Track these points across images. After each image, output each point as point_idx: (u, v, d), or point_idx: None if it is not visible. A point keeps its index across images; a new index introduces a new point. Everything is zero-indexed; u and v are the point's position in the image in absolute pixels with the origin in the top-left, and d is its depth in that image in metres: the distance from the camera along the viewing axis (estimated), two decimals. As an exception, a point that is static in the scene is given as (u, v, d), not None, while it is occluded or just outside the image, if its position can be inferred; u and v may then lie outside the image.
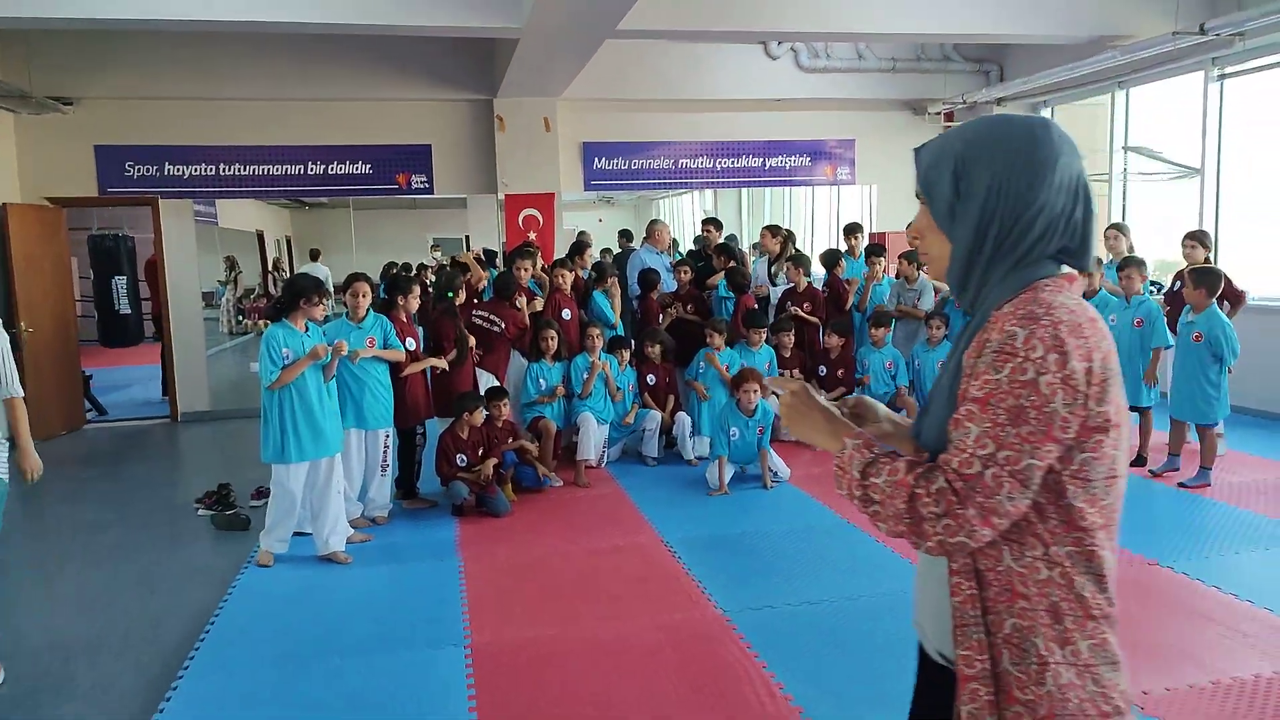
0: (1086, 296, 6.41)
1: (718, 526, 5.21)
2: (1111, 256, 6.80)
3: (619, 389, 6.57)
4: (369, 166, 9.43)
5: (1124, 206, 9.40)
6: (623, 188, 10.16)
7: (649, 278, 7.25)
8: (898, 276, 7.60)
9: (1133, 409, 6.24)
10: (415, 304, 5.52)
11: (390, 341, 5.23)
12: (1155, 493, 5.57)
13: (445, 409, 5.80)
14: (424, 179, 9.57)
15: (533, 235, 9.54)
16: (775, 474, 6.01)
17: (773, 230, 8.04)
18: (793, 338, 7.09)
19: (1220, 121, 8.18)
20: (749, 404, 5.89)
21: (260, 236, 14.25)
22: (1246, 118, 8.16)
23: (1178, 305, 6.28)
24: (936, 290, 7.52)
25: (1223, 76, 8.02)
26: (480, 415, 5.52)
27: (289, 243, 16.46)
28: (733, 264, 7.50)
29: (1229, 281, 6.17)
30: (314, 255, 13.46)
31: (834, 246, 8.22)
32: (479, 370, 6.16)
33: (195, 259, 9.21)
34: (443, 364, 5.63)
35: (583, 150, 9.91)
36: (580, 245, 7.65)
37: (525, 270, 6.79)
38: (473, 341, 5.97)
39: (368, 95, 9.25)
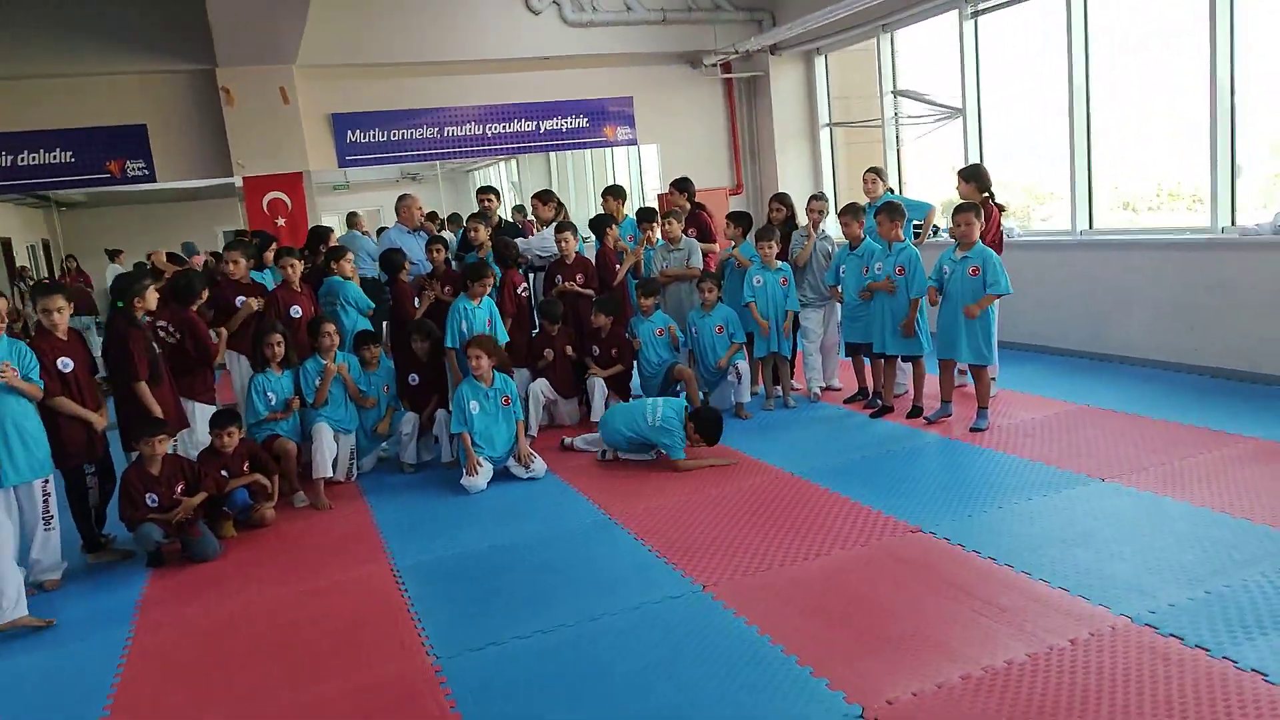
0: (852, 247, 6.15)
1: (463, 542, 4.56)
2: (869, 200, 6.58)
3: (364, 393, 5.78)
4: (70, 154, 8.07)
5: (898, 151, 9.35)
6: (382, 161, 9.21)
7: (391, 259, 6.44)
8: (663, 238, 7.11)
9: (905, 359, 6.06)
10: (59, 321, 4.47)
11: (30, 375, 4.23)
12: (924, 446, 5.36)
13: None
14: (142, 165, 8.30)
15: (281, 221, 8.50)
16: (531, 464, 5.49)
17: (542, 197, 7.39)
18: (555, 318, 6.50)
19: (977, 60, 8.16)
20: (477, 370, 5.44)
21: (6, 244, 12.40)
22: (1002, 55, 8.19)
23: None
24: (708, 252, 7.12)
25: (975, 14, 7.97)
26: (165, 445, 4.61)
27: (46, 247, 14.42)
28: (492, 236, 6.82)
29: (996, 215, 6.08)
30: (111, 256, 11.95)
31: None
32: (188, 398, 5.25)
33: None
34: (98, 421, 4.62)
35: (332, 123, 8.89)
36: (319, 234, 6.72)
37: (237, 265, 5.86)
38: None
39: (62, 71, 7.88)
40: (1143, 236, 6.76)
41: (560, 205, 7.44)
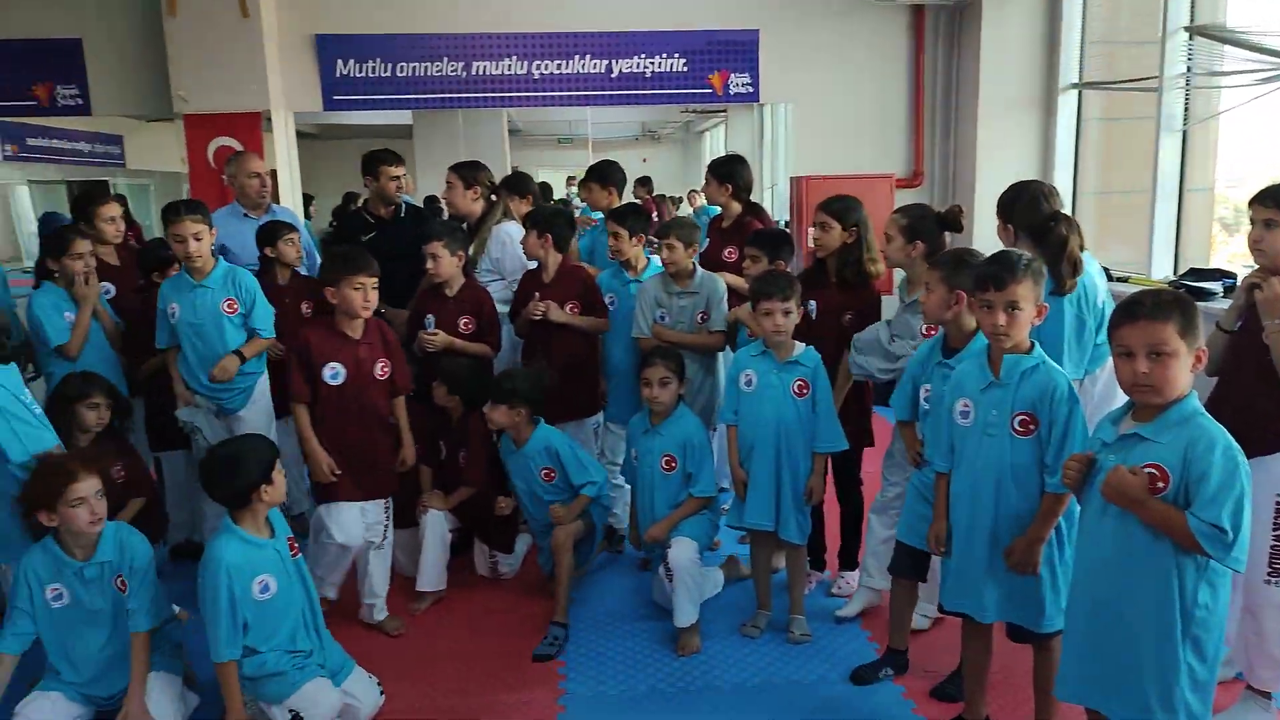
0: (948, 348, 2.70)
1: None
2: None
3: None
4: (-11, 72, 6.39)
5: (1184, 132, 5.30)
6: (382, 105, 6.71)
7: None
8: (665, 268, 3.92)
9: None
10: None
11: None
12: None
13: None
14: (75, 91, 6.45)
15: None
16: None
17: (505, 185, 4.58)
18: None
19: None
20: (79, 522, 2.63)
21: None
22: None
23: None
24: (738, 289, 3.86)
25: None
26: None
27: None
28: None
29: None
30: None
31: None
32: None
33: None
34: None
35: (316, 47, 6.52)
36: (89, 200, 4.25)
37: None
38: None
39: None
40: None
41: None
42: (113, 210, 4.04)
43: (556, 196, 12.11)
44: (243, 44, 6.18)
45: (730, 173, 4.19)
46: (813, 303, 3.35)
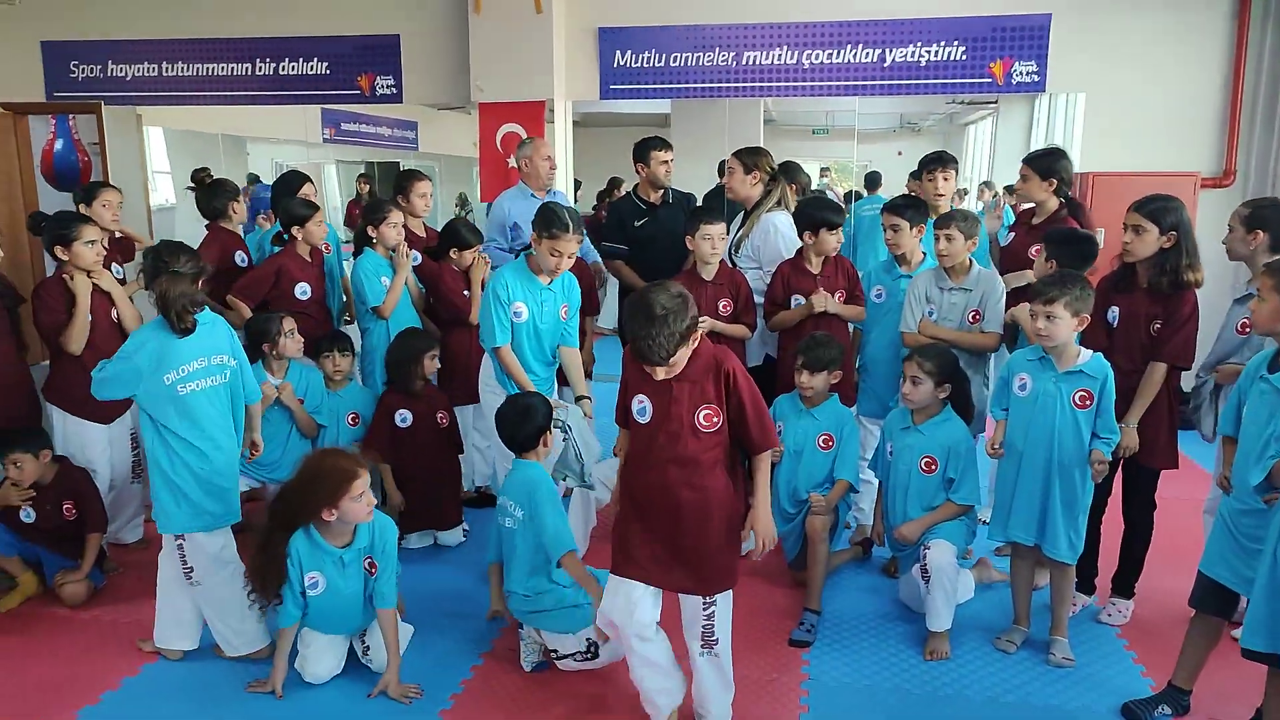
0: None
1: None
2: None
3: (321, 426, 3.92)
4: (325, 65, 7.32)
5: None
6: (651, 94, 6.94)
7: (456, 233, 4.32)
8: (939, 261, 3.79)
9: None
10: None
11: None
12: None
13: None
14: (391, 82, 7.24)
15: (515, 162, 6.86)
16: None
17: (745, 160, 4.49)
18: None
19: None
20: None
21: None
22: None
23: None
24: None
25: None
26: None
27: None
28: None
29: None
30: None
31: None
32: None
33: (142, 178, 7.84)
34: None
35: (598, 39, 6.88)
36: (408, 178, 4.76)
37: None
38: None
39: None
40: None
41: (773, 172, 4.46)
42: (426, 188, 4.55)
43: (813, 187, 11.97)
44: (534, 37, 6.65)
45: (1051, 167, 3.88)
46: (1115, 309, 3.12)
